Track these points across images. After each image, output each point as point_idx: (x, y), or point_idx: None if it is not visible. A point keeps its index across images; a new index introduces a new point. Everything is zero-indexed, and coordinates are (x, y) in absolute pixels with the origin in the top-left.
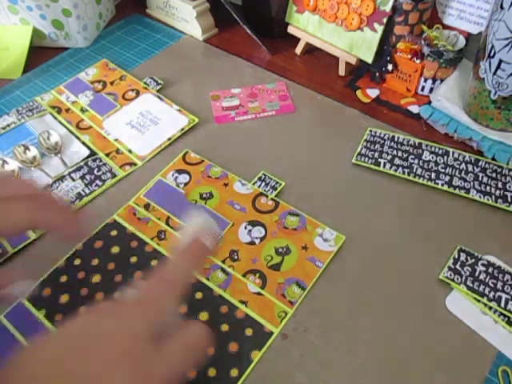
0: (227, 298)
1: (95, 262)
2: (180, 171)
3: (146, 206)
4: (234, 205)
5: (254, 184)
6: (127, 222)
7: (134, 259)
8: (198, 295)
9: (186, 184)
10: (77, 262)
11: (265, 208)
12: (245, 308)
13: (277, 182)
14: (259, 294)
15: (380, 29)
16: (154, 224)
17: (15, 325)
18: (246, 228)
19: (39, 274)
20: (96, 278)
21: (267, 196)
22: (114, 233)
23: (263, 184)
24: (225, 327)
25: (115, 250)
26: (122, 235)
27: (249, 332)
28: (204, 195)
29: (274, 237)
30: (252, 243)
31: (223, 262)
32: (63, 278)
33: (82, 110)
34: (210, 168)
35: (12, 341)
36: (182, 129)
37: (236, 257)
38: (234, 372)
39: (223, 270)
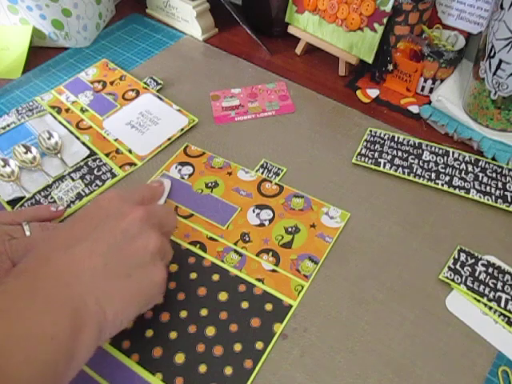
0: (244, 278)
1: None
2: (183, 163)
3: None
4: (240, 191)
5: (256, 171)
6: None
7: None
8: (215, 277)
9: (190, 175)
10: None
11: (270, 192)
12: (262, 285)
13: (279, 168)
14: (274, 271)
15: (380, 29)
16: None
17: None
18: (254, 211)
19: None
20: None
21: (271, 181)
22: None
23: (266, 171)
24: (245, 304)
25: None
26: None
27: (269, 307)
28: (209, 184)
29: (282, 218)
30: (262, 225)
31: (235, 244)
32: None
33: (82, 110)
34: (212, 159)
35: None
36: (182, 129)
37: (247, 238)
38: (260, 345)
39: (236, 252)
